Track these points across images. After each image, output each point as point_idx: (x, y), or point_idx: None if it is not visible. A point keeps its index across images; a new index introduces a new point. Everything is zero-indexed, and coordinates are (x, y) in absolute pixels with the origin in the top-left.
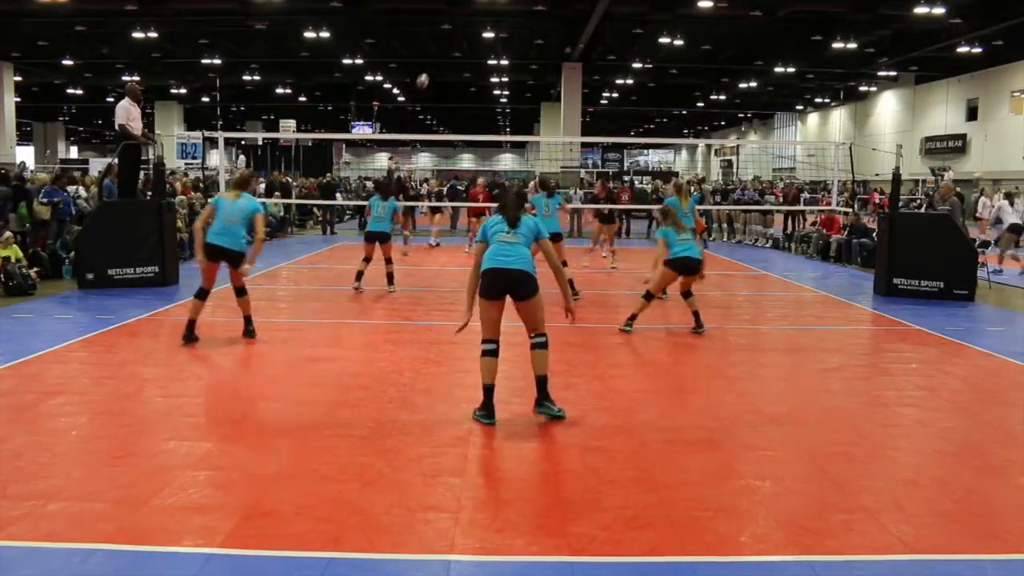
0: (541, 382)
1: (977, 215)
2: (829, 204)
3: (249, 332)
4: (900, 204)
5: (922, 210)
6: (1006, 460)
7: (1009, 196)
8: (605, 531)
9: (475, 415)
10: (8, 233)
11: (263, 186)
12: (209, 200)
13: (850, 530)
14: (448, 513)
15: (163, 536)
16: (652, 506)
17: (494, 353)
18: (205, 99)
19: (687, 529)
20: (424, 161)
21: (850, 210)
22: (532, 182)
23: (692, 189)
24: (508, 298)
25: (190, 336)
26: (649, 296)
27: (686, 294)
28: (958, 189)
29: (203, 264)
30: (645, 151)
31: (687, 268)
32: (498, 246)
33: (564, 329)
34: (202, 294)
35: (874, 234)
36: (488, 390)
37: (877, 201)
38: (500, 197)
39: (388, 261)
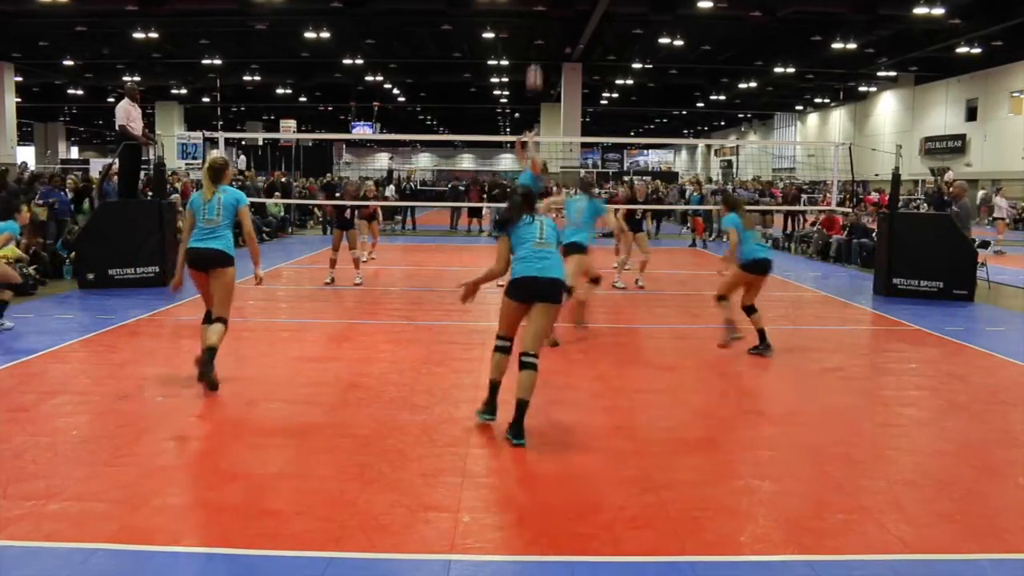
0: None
1: (995, 216)
2: (829, 204)
3: (203, 375)
4: (898, 204)
5: (925, 210)
6: (1006, 460)
7: None
8: (605, 531)
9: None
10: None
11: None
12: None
13: (850, 530)
14: (448, 513)
15: (164, 536)
16: (652, 506)
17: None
18: (205, 99)
19: (687, 529)
20: (424, 161)
21: (850, 210)
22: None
23: (692, 190)
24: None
25: (208, 372)
26: None
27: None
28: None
29: (194, 280)
30: (645, 151)
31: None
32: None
33: (562, 329)
34: (210, 317)
35: (873, 234)
36: (493, 386)
37: (875, 201)
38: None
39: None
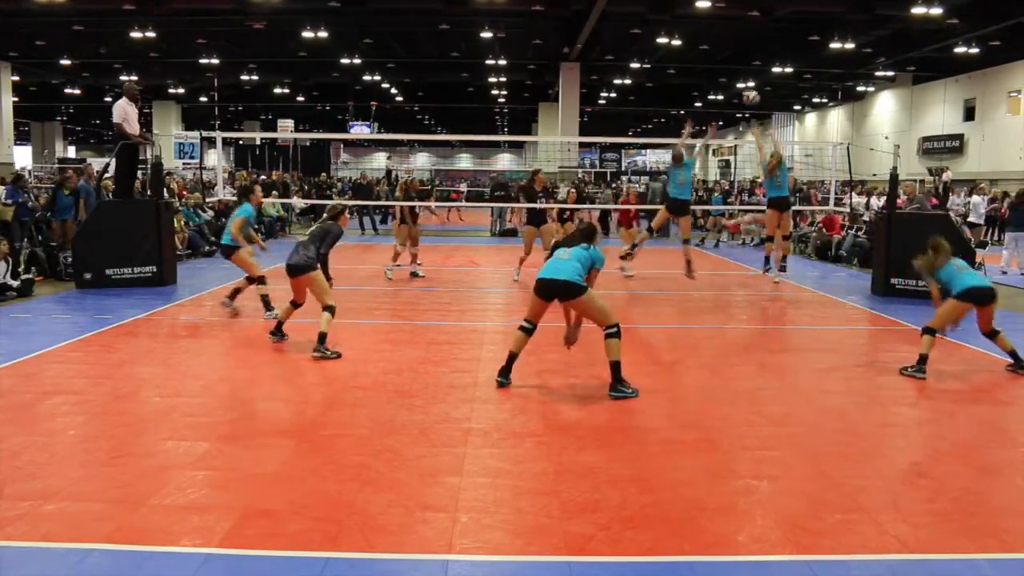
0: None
1: (971, 220)
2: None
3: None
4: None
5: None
6: (1004, 460)
7: None
8: (603, 531)
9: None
10: None
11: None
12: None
13: (847, 530)
14: (446, 513)
15: (161, 536)
16: (650, 506)
17: (527, 332)
18: (203, 99)
19: (685, 529)
20: (422, 161)
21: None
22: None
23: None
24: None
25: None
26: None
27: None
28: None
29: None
30: (643, 151)
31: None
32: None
33: (561, 329)
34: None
35: (857, 231)
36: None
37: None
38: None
39: (249, 280)
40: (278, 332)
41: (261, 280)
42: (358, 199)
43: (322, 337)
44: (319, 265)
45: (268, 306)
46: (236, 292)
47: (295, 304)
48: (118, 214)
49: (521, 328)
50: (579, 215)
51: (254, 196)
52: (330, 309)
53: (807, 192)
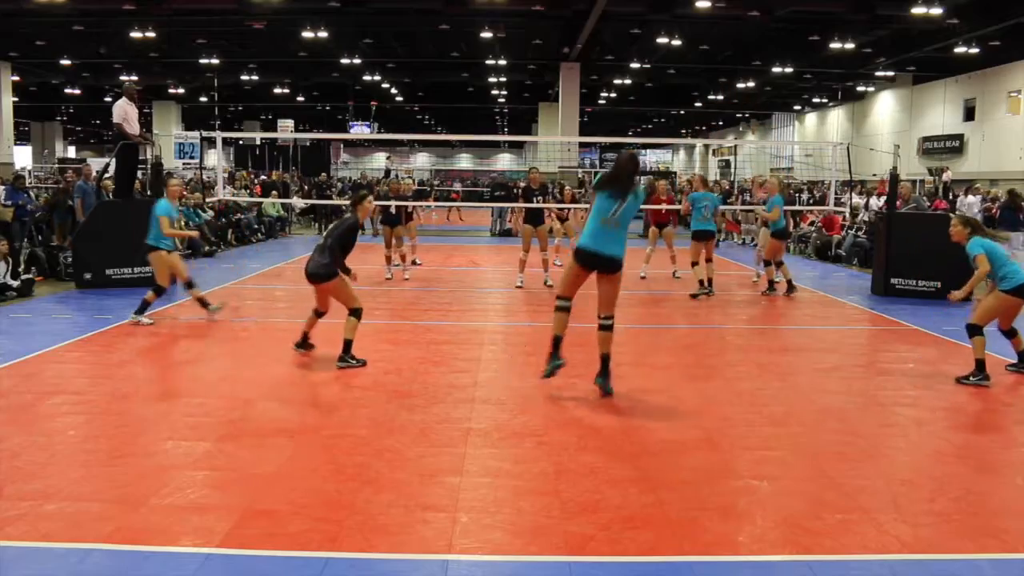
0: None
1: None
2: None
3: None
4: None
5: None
6: (1003, 460)
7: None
8: (603, 531)
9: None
10: None
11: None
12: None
13: (847, 530)
14: (446, 513)
15: (161, 536)
16: (650, 506)
17: (565, 309)
18: (203, 99)
19: (685, 529)
20: (422, 161)
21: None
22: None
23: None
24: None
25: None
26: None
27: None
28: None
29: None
30: (643, 151)
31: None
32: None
33: (569, 330)
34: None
35: (857, 231)
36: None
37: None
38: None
39: (187, 285)
40: (304, 344)
41: (158, 292)
42: None
43: (347, 345)
44: (337, 269)
45: (142, 311)
46: (203, 303)
47: (317, 313)
48: (118, 214)
49: (558, 308)
50: (580, 214)
51: (168, 190)
52: (355, 313)
53: (822, 193)
